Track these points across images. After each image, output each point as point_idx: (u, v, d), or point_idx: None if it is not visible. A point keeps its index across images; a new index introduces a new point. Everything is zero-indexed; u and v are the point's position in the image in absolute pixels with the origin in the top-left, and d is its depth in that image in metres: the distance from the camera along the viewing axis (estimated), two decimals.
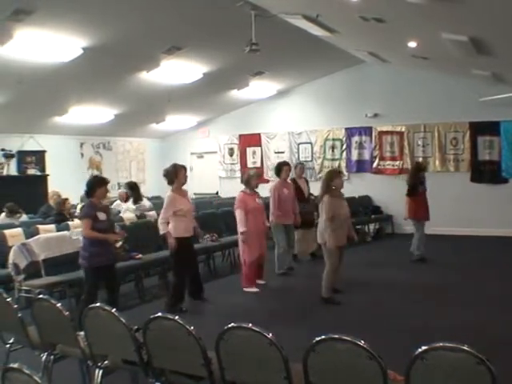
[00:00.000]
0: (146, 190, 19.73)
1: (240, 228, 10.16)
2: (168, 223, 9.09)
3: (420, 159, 16.71)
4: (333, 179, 9.25)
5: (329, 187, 9.19)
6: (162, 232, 9.20)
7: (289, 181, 12.24)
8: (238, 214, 10.20)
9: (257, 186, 10.67)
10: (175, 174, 9.20)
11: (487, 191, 16.12)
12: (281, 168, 11.88)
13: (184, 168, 9.40)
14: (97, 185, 7.92)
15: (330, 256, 9.16)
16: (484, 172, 16.32)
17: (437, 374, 3.36)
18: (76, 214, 12.09)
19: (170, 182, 9.28)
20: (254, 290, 10.23)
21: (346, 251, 9.45)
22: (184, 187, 9.48)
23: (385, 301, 9.30)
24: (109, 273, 7.94)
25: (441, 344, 3.35)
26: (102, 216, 7.83)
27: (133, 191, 13.19)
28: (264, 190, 12.48)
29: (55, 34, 10.25)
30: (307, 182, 13.38)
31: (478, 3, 7.67)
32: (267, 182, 17.19)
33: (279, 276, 11.47)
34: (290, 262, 11.90)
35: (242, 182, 10.87)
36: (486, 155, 16.28)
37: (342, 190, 9.54)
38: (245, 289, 10.24)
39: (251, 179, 10.49)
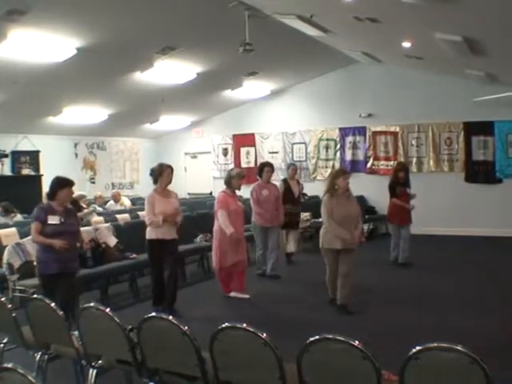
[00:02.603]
0: (139, 191, 19.80)
1: (227, 230, 9.45)
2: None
3: (414, 159, 16.83)
4: (337, 178, 8.81)
5: (331, 186, 8.81)
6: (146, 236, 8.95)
7: (276, 182, 12.22)
8: (221, 215, 9.59)
9: (239, 188, 10.11)
10: (160, 173, 8.92)
11: (481, 191, 16.17)
12: (262, 169, 11.64)
13: (170, 168, 9.04)
14: (58, 186, 7.30)
15: (324, 258, 8.86)
16: (478, 172, 16.37)
17: (431, 373, 3.37)
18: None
19: (155, 182, 9.03)
20: (239, 295, 9.80)
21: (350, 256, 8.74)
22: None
23: (378, 302, 9.29)
24: (63, 283, 7.06)
25: (435, 344, 3.35)
26: (53, 220, 7.14)
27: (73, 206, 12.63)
28: None
29: (49, 34, 10.24)
30: (299, 183, 13.28)
31: (472, 3, 7.69)
32: None
33: (260, 277, 11.42)
34: (274, 267, 11.47)
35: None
36: (480, 155, 16.34)
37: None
38: (230, 294, 9.88)
39: (233, 180, 9.91)
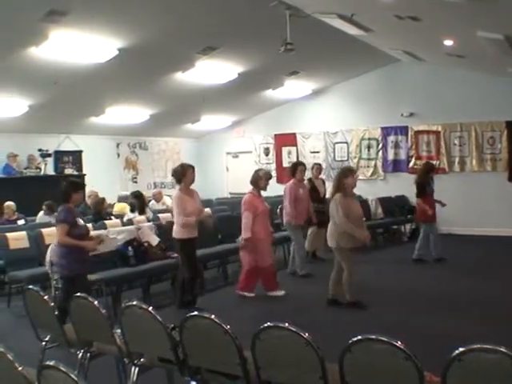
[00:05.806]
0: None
1: (245, 233, 9.67)
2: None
3: (456, 159, 16.68)
4: (346, 177, 8.77)
5: (341, 185, 8.75)
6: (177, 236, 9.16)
7: (305, 181, 12.29)
8: (246, 218, 9.70)
9: (265, 189, 10.13)
10: (183, 174, 9.11)
11: None
12: (296, 168, 11.67)
13: (192, 168, 9.26)
14: (72, 190, 7.49)
15: (344, 258, 8.76)
16: None
17: (473, 375, 3.32)
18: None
19: (178, 182, 9.24)
20: (252, 294, 9.90)
21: (357, 254, 9.02)
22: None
23: (413, 301, 9.22)
24: (82, 281, 7.30)
25: (478, 346, 3.31)
26: (80, 222, 7.49)
27: (137, 201, 12.88)
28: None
29: (90, 35, 10.33)
30: (324, 182, 13.48)
31: None
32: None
33: (301, 277, 11.31)
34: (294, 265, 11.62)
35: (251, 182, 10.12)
36: None
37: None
38: (244, 293, 9.91)
39: (260, 180, 9.92)
